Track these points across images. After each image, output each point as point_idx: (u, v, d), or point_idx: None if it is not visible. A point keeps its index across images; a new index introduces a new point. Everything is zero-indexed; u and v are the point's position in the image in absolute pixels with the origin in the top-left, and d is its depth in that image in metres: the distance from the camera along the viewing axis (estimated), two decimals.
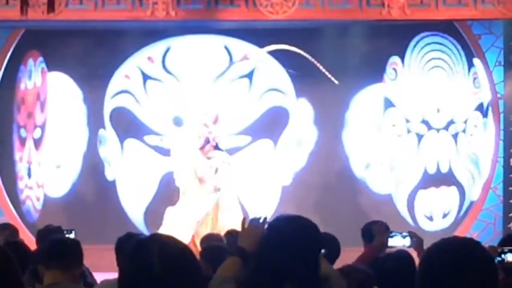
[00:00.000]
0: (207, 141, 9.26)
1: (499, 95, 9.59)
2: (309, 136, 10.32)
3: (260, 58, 10.10)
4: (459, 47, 9.83)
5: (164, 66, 10.23)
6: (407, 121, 9.87)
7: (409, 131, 9.93)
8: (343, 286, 2.98)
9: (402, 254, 4.24)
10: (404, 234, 4.63)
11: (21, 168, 10.12)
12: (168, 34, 10.52)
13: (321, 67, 9.67)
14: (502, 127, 9.61)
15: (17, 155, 10.17)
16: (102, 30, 9.99)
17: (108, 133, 10.21)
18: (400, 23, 9.31)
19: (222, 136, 9.63)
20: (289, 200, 10.00)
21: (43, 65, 10.13)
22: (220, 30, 10.54)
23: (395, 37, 9.85)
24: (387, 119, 10.05)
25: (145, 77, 10.17)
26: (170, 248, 1.68)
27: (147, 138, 10.03)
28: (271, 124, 10.10)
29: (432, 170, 9.88)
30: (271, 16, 8.71)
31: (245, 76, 10.30)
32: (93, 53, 10.19)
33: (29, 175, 10.09)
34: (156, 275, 1.57)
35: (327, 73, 9.58)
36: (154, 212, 9.70)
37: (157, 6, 8.65)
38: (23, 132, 10.05)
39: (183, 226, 8.76)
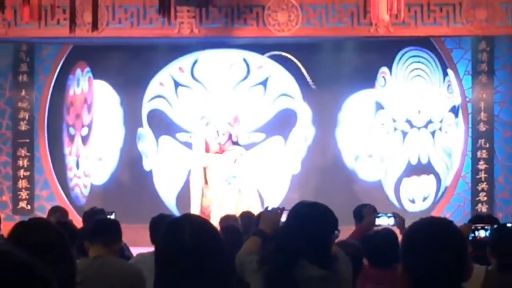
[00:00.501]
0: (230, 137, 9.11)
1: (467, 99, 9.60)
2: (309, 133, 10.10)
3: (272, 68, 9.79)
4: (435, 59, 9.73)
5: (192, 75, 10.13)
6: (394, 120, 9.76)
7: (395, 129, 9.84)
8: (348, 263, 2.99)
9: (387, 232, 4.20)
10: (389, 214, 4.52)
11: (70, 161, 9.98)
12: (195, 48, 10.37)
13: (304, 72, 9.61)
14: (470, 125, 9.64)
15: (66, 150, 10.04)
16: (138, 45, 9.83)
17: (145, 131, 10.08)
18: (386, 39, 9.18)
19: (241, 133, 9.47)
20: (294, 187, 9.97)
21: (90, 74, 9.94)
22: (239, 45, 10.37)
23: (384, 51, 9.65)
24: (378, 119, 9.91)
25: (177, 84, 10.06)
26: (199, 226, 1.69)
27: (178, 135, 9.92)
28: (282, 123, 10.04)
29: (414, 162, 9.81)
30: (278, 33, 8.47)
31: (260, 83, 10.19)
32: (130, 64, 10.07)
33: (77, 166, 9.95)
34: (187, 249, 1.58)
35: (308, 77, 9.65)
36: (184, 197, 9.58)
37: (183, 25, 8.45)
38: (71, 130, 9.87)
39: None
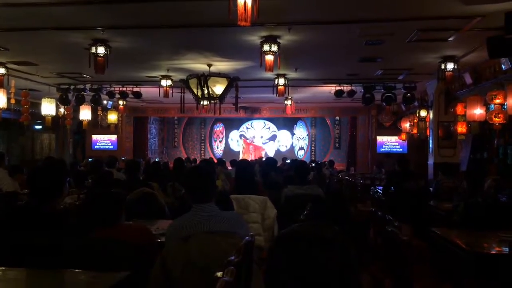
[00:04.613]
0: (252, 141, 23.99)
1: None
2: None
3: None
4: None
5: (246, 129, 24.10)
6: None
7: None
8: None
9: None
10: None
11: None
12: (243, 122, 23.59)
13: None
14: None
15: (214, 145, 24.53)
16: (231, 118, 22.52)
17: (235, 140, 24.29)
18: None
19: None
20: None
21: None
22: (261, 118, 22.31)
23: None
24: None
25: (241, 135, 24.02)
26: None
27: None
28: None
29: None
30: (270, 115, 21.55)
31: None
32: (229, 128, 23.82)
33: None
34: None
35: None
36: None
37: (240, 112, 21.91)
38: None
39: None
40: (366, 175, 16.22)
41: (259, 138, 24.08)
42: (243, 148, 23.98)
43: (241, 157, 22.74)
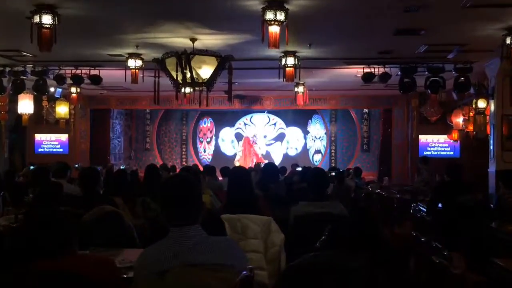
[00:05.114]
0: (254, 142, 24.00)
1: None
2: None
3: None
4: None
5: (244, 126, 24.45)
6: None
7: None
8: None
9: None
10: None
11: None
12: (239, 116, 24.03)
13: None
14: None
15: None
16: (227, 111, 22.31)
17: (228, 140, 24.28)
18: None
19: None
20: None
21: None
22: (263, 110, 22.51)
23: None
24: None
25: (237, 133, 24.40)
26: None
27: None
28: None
29: None
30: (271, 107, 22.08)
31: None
32: (222, 121, 24.19)
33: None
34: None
35: None
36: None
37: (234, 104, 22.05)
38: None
39: None
40: (405, 187, 16.09)
41: (262, 138, 24.18)
42: (242, 149, 23.96)
43: (236, 161, 22.90)
